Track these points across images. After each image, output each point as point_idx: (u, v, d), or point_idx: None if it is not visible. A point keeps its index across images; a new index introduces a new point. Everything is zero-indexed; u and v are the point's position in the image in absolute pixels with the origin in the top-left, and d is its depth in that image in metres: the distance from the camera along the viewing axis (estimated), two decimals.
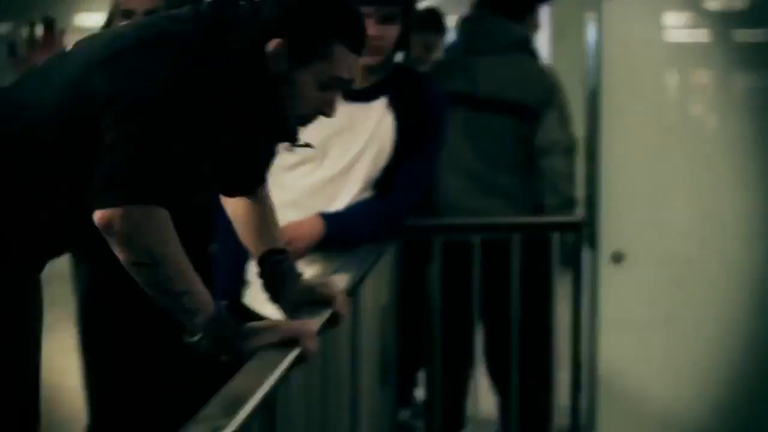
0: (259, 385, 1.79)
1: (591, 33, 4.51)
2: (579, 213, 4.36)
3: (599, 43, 4.41)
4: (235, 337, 2.01)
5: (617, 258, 4.44)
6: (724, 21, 4.56)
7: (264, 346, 2.00)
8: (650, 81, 4.52)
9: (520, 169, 4.12)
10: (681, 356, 4.55)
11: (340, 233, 3.09)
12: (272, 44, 2.07)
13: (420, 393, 4.54)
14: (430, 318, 3.89)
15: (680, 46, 4.58)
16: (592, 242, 4.44)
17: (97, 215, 1.95)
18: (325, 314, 2.27)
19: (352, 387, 2.88)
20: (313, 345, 2.05)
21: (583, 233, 4.18)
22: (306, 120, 2.18)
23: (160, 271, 1.96)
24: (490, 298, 3.98)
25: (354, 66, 2.15)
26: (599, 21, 4.41)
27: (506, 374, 3.99)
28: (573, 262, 4.04)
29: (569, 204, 4.16)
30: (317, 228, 3.08)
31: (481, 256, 3.90)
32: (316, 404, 2.44)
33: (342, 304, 2.33)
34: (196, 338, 2.00)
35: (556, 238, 4.02)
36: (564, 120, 4.15)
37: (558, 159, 4.12)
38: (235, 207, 2.37)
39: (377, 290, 3.23)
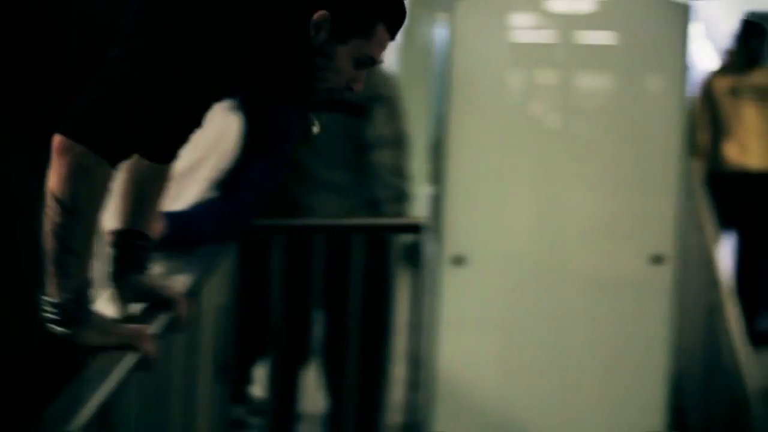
0: (98, 390, 1.82)
1: (440, 33, 4.57)
2: (421, 215, 4.43)
3: (448, 43, 4.48)
4: (83, 320, 2.01)
5: (458, 260, 4.52)
6: (568, 23, 4.64)
7: (102, 346, 2.01)
8: (496, 81, 4.58)
9: (351, 164, 4.15)
10: (517, 356, 4.64)
11: (181, 232, 3.10)
12: (318, 15, 2.09)
13: (254, 389, 4.59)
14: (270, 316, 3.92)
15: (525, 47, 4.64)
16: (435, 243, 4.51)
17: (59, 137, 1.94)
18: (166, 318, 2.30)
19: (188, 386, 2.91)
20: (153, 350, 2.07)
21: (424, 234, 4.25)
22: (335, 93, 2.19)
23: (70, 221, 1.94)
24: (330, 295, 4.04)
25: (386, 49, 2.20)
26: (449, 21, 4.47)
27: (340, 371, 4.05)
28: (414, 262, 4.12)
29: (400, 197, 4.22)
30: (158, 227, 3.09)
31: (323, 255, 3.95)
32: (152, 404, 2.46)
33: (183, 308, 2.36)
34: (52, 299, 1.99)
35: (396, 238, 4.08)
36: (394, 114, 4.19)
37: (387, 153, 4.16)
38: (137, 169, 2.29)
39: (217, 290, 3.26)
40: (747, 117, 6.65)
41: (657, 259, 4.65)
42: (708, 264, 5.37)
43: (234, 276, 3.63)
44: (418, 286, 4.11)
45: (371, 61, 2.18)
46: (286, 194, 4.08)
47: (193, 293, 2.73)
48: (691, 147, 5.78)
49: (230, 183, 3.26)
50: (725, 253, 6.09)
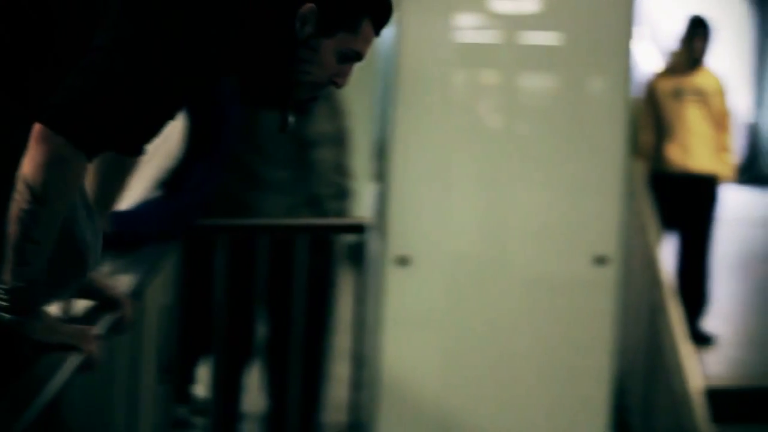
0: (42, 391, 1.83)
1: (386, 31, 4.59)
2: (366, 215, 4.44)
3: (394, 42, 4.50)
4: (30, 311, 2.02)
5: (402, 260, 4.54)
6: (513, 23, 4.66)
7: (46, 342, 2.01)
8: (441, 81, 4.59)
9: (293, 162, 4.18)
10: (460, 356, 4.65)
11: (125, 232, 3.11)
12: (305, 8, 2.10)
13: (196, 389, 4.59)
14: (213, 315, 3.93)
15: (470, 47, 4.65)
16: (379, 243, 4.53)
17: (39, 126, 1.92)
18: (111, 319, 2.30)
19: (132, 386, 2.92)
20: (97, 352, 2.08)
21: (368, 234, 4.27)
22: (318, 86, 2.20)
23: (38, 209, 1.94)
24: (273, 294, 4.06)
25: (370, 45, 2.21)
26: (395, 20, 4.49)
27: (281, 370, 4.07)
28: (358, 262, 4.14)
29: (342, 194, 4.25)
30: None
31: (266, 254, 3.97)
32: (96, 404, 2.47)
33: (128, 310, 2.37)
34: (4, 285, 1.98)
35: (339, 238, 4.11)
36: (335, 112, 4.22)
37: (328, 150, 4.20)
38: (101, 161, 2.29)
39: (160, 290, 3.27)
40: (690, 119, 6.73)
41: (600, 260, 4.69)
42: (651, 264, 5.44)
43: (177, 276, 3.64)
44: (362, 285, 4.13)
45: (356, 56, 2.20)
46: (230, 193, 4.09)
47: (137, 294, 2.74)
48: (635, 148, 5.85)
49: (173, 182, 3.27)
50: (668, 253, 6.16)
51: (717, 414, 5.08)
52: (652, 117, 6.78)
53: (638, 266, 5.50)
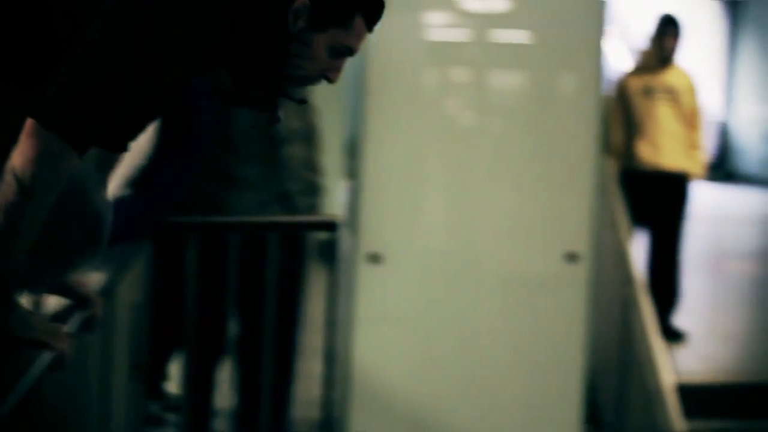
0: (14, 389, 1.84)
1: None
2: (338, 213, 4.46)
3: (365, 40, 4.50)
4: (4, 303, 2.01)
5: (374, 258, 4.56)
6: (483, 21, 4.69)
7: (17, 337, 2.01)
8: (411, 79, 4.61)
9: (262, 159, 4.19)
10: (432, 353, 4.68)
11: None
12: (298, 2, 2.11)
13: (168, 386, 4.60)
14: (185, 312, 3.94)
15: (440, 45, 4.67)
16: (351, 241, 4.54)
17: (31, 121, 1.93)
18: (81, 317, 2.30)
19: (104, 384, 2.92)
20: (68, 350, 2.08)
21: (340, 231, 4.28)
22: (309, 81, 2.20)
23: (25, 202, 1.94)
24: (244, 292, 4.06)
25: (362, 41, 2.21)
26: None
27: (251, 367, 4.08)
28: (330, 259, 4.15)
29: (312, 190, 4.26)
30: None
31: (238, 252, 3.97)
32: (68, 402, 2.47)
33: (99, 308, 2.37)
34: None
35: (311, 235, 4.11)
36: (304, 108, 4.23)
37: (297, 146, 4.21)
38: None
39: (131, 288, 3.27)
40: (660, 117, 6.77)
41: (572, 257, 4.72)
42: (622, 261, 5.47)
43: (148, 274, 3.64)
44: (333, 283, 4.14)
45: (348, 52, 2.20)
46: (200, 191, 4.09)
47: (107, 292, 2.74)
48: (606, 146, 5.88)
49: (144, 181, 3.27)
50: (638, 250, 6.20)
51: (688, 410, 5.11)
52: (622, 115, 6.81)
53: (610, 263, 5.53)
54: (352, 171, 4.57)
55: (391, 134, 4.59)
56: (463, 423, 4.72)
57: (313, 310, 4.35)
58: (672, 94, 6.82)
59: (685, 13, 7.89)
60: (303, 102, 2.26)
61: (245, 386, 4.19)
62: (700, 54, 15.88)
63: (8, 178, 1.95)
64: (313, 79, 2.20)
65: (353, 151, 4.59)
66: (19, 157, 1.94)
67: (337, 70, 2.20)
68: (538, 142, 4.73)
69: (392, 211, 4.60)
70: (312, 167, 4.27)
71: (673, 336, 6.59)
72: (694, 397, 5.62)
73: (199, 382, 4.12)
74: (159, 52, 2.00)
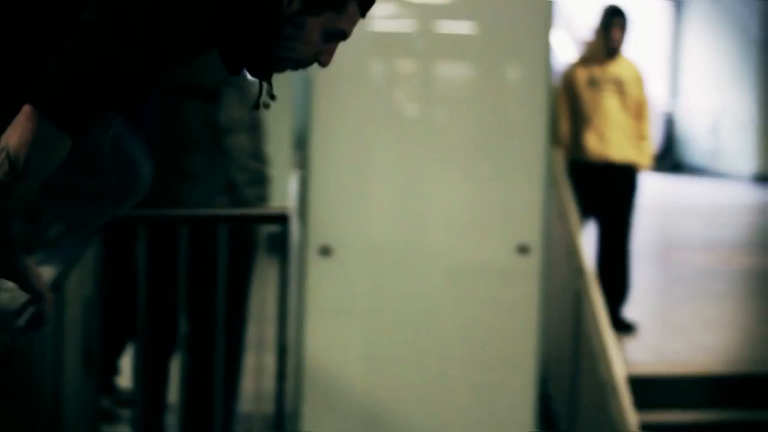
0: None
1: None
2: (288, 205, 4.48)
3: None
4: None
5: (324, 251, 4.59)
6: (428, 11, 4.73)
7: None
8: (357, 69, 4.65)
9: (207, 150, 4.21)
10: (383, 345, 4.73)
11: None
12: None
13: (119, 380, 4.60)
14: (135, 306, 3.95)
15: (386, 36, 4.71)
16: (301, 233, 4.57)
17: (27, 107, 1.93)
18: (31, 312, 2.31)
19: (56, 380, 2.93)
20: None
21: (291, 224, 4.31)
22: (301, 64, 2.19)
23: (15, 183, 1.95)
24: (192, 284, 4.08)
25: (355, 25, 2.21)
26: None
27: (198, 361, 4.10)
28: (281, 252, 4.18)
29: (258, 180, 4.29)
30: None
31: (187, 245, 3.99)
32: (21, 398, 2.48)
33: (49, 302, 2.38)
34: None
35: (262, 228, 4.13)
36: (246, 98, 4.26)
37: (242, 137, 4.23)
38: None
39: (81, 282, 3.28)
40: (607, 108, 6.85)
41: (523, 249, 4.77)
42: (573, 253, 5.53)
43: (97, 268, 3.65)
44: (284, 275, 4.17)
45: (341, 35, 2.21)
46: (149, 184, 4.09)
47: (56, 285, 2.75)
48: (553, 137, 5.94)
49: None
50: (588, 242, 6.27)
51: (638, 401, 5.18)
52: (569, 106, 6.88)
53: (560, 255, 5.59)
54: (302, 163, 4.59)
55: (339, 126, 4.62)
56: (415, 415, 4.76)
57: (266, 302, 4.38)
58: (619, 86, 6.89)
59: (630, 3, 7.97)
60: (273, 98, 2.28)
61: (192, 380, 4.21)
62: (645, 45, 16.05)
63: (1, 155, 1.96)
64: (305, 63, 2.21)
65: (302, 143, 4.61)
66: (15, 138, 1.96)
67: (330, 53, 2.21)
68: (488, 134, 4.77)
69: (342, 203, 4.64)
70: (258, 157, 4.29)
71: (623, 328, 6.68)
72: (645, 388, 5.70)
73: (151, 376, 4.14)
74: (154, 35, 2.01)
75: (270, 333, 4.27)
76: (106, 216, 2.21)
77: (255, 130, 4.29)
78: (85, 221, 2.20)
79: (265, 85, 2.22)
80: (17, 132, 1.96)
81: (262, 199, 4.32)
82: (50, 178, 2.03)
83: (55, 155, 1.98)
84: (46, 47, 2.09)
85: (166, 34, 2.02)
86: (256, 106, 2.24)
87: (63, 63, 1.98)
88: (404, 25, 4.75)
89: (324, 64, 2.22)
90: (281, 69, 2.20)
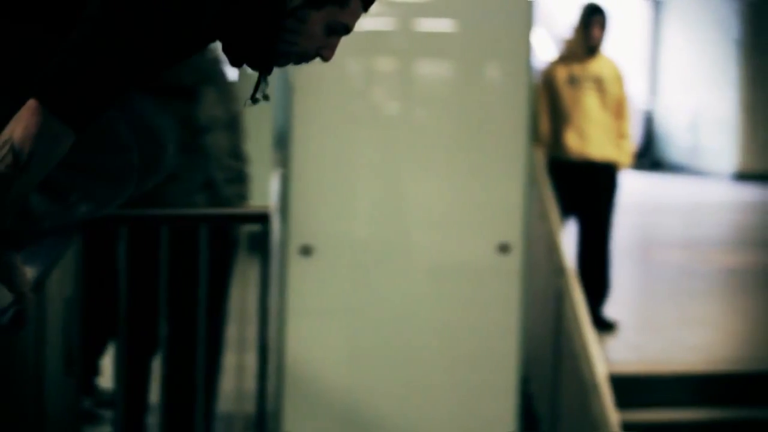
0: None
1: None
2: (269, 204, 4.48)
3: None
4: None
5: (305, 250, 4.60)
6: (407, 10, 4.74)
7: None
8: (337, 68, 4.64)
9: (186, 149, 4.21)
10: (365, 345, 4.74)
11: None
12: None
13: (100, 380, 4.61)
14: (117, 306, 3.95)
15: (366, 34, 4.70)
16: (282, 233, 4.57)
17: (33, 101, 1.94)
18: (12, 312, 2.31)
19: (37, 381, 2.93)
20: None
21: (271, 223, 4.32)
22: (303, 58, 2.20)
23: (14, 175, 1.94)
24: (171, 284, 4.08)
25: (358, 19, 2.21)
26: None
27: (177, 361, 4.10)
28: (262, 251, 4.19)
29: (237, 178, 4.29)
30: None
31: (168, 245, 3.99)
32: (1, 399, 2.48)
33: (30, 302, 2.39)
34: None
35: (243, 227, 4.14)
36: (225, 95, 4.26)
37: (220, 135, 4.24)
38: None
39: (62, 282, 3.28)
40: (587, 106, 6.87)
41: (504, 248, 4.78)
42: (553, 252, 5.55)
43: (78, 267, 3.66)
44: (265, 275, 4.18)
45: (344, 30, 2.21)
46: None
47: (38, 286, 2.75)
48: (534, 135, 5.96)
49: None
50: (568, 241, 6.30)
51: (619, 400, 5.20)
52: (549, 104, 6.91)
53: (541, 254, 5.61)
54: (282, 162, 4.60)
55: (320, 125, 4.63)
56: (397, 414, 4.78)
57: (247, 302, 4.39)
58: (599, 84, 6.92)
59: (610, 1, 8.00)
60: (266, 98, 2.29)
61: (171, 380, 4.21)
62: (625, 43, 16.11)
63: (4, 148, 1.96)
64: (307, 57, 2.21)
65: (282, 143, 4.62)
66: (20, 131, 1.96)
67: (332, 48, 2.21)
68: (469, 132, 4.79)
69: (323, 202, 4.65)
70: (237, 155, 4.30)
71: (604, 326, 6.71)
72: (626, 387, 5.73)
73: (132, 376, 4.14)
74: (159, 29, 2.01)
75: (251, 333, 4.28)
76: (132, 192, 2.22)
77: (234, 128, 4.29)
78: (110, 198, 2.21)
79: (261, 79, 2.22)
80: (22, 125, 1.96)
81: (241, 197, 4.33)
82: (74, 158, 2.05)
83: (59, 149, 1.99)
84: (56, 31, 2.09)
85: (171, 28, 2.02)
86: (253, 99, 2.25)
87: (68, 57, 1.98)
88: (384, 24, 4.75)
89: (326, 58, 2.21)
90: (283, 63, 2.20)
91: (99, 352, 4.45)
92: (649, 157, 17.27)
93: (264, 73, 2.23)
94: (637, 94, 16.53)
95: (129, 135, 2.14)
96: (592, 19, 6.91)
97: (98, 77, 1.98)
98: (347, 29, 2.22)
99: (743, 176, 15.97)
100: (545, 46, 8.31)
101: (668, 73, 17.75)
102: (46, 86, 1.97)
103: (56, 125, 1.96)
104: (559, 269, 5.48)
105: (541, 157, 6.33)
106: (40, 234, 2.30)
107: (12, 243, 2.11)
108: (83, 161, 2.12)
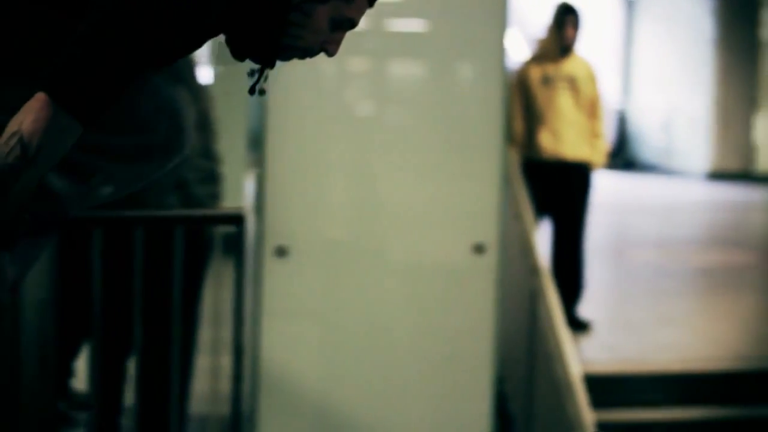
0: None
1: None
2: (245, 205, 4.49)
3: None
4: None
5: (280, 252, 4.61)
6: (381, 10, 4.73)
7: None
8: (310, 69, 4.66)
9: None
10: (340, 346, 4.76)
11: None
12: None
13: (74, 382, 4.60)
14: (92, 308, 3.96)
15: None
16: (257, 234, 4.58)
17: (42, 94, 1.95)
18: None
19: (12, 383, 2.94)
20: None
21: (246, 225, 4.33)
22: (308, 53, 2.20)
23: (22, 167, 1.96)
24: (150, 285, 4.09)
25: (363, 14, 2.22)
26: None
27: (150, 363, 4.12)
28: (237, 253, 4.20)
29: (209, 178, 4.30)
30: None
31: (143, 246, 4.00)
32: None
33: (5, 304, 2.40)
34: None
35: (217, 229, 4.15)
36: (196, 96, 4.26)
37: (193, 135, 4.24)
38: None
39: (37, 284, 3.29)
40: (561, 106, 6.91)
41: (479, 249, 4.80)
42: (528, 252, 5.58)
43: (52, 269, 3.66)
44: (240, 276, 4.19)
45: (349, 24, 2.22)
46: None
47: (15, 287, 2.75)
48: (507, 136, 5.99)
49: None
50: (543, 241, 6.33)
51: (594, 400, 5.24)
52: (522, 105, 6.94)
53: (515, 254, 5.64)
54: (257, 163, 4.61)
55: (293, 126, 4.64)
56: (372, 415, 4.80)
57: (221, 303, 4.40)
58: (572, 83, 6.95)
59: (583, 1, 8.05)
60: (262, 92, 2.30)
61: (144, 381, 4.22)
62: (598, 42, 16.19)
63: (12, 139, 1.98)
64: (312, 51, 2.21)
65: (257, 143, 4.63)
66: (29, 124, 1.97)
67: (337, 43, 2.22)
68: (443, 133, 4.81)
69: (297, 204, 4.66)
70: (208, 156, 4.31)
71: (578, 326, 6.75)
72: (601, 387, 5.76)
73: (107, 378, 4.15)
74: (167, 22, 2.02)
75: (226, 334, 4.29)
76: (153, 172, 2.24)
77: (205, 129, 4.30)
78: (134, 179, 2.22)
79: (257, 74, 2.22)
80: (31, 117, 1.97)
81: (214, 197, 4.34)
82: (96, 140, 2.08)
83: (66, 142, 2.01)
84: (73, 13, 2.09)
85: (179, 21, 2.03)
86: (252, 92, 2.26)
87: (77, 50, 2.00)
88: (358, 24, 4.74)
89: (331, 53, 2.23)
90: (288, 57, 2.21)
91: (73, 355, 4.46)
92: (623, 156, 17.36)
93: (267, 66, 2.23)
94: (610, 94, 16.61)
95: (150, 114, 2.15)
96: (566, 18, 6.95)
97: (106, 71, 2.00)
98: (352, 24, 2.23)
99: (716, 175, 16.08)
100: (519, 46, 8.34)
101: (641, 72, 17.84)
102: (56, 80, 1.98)
103: (65, 119, 1.97)
104: (533, 269, 5.51)
105: (514, 157, 6.35)
106: (32, 232, 2.31)
107: (3, 243, 2.13)
108: (105, 143, 2.14)
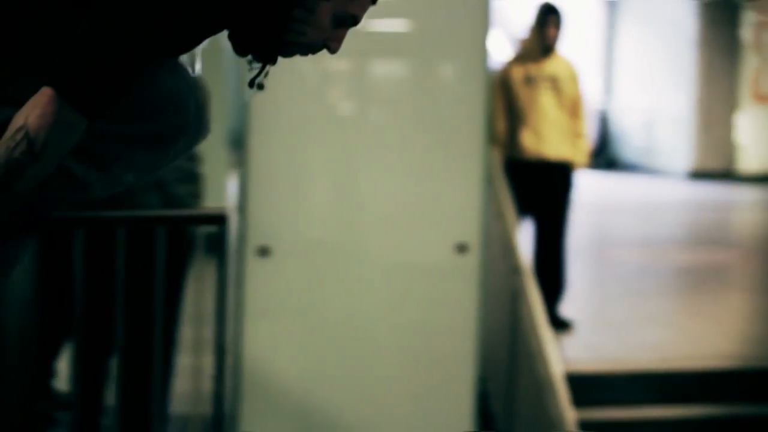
0: None
1: None
2: (227, 205, 4.49)
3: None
4: None
5: (263, 251, 4.61)
6: None
7: None
8: (291, 69, 4.63)
9: None
10: (322, 345, 4.76)
11: None
12: None
13: (55, 383, 4.59)
14: (73, 308, 3.95)
15: None
16: (239, 234, 4.58)
17: (48, 89, 1.95)
18: None
19: None
20: None
21: (228, 225, 4.33)
22: (310, 49, 2.20)
23: (28, 162, 1.96)
24: (132, 285, 4.09)
25: (366, 11, 2.22)
26: None
27: (131, 362, 4.12)
28: (219, 252, 4.21)
29: (188, 177, 4.30)
30: None
31: (125, 246, 4.00)
32: None
33: None
34: None
35: (200, 229, 4.15)
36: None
37: None
38: None
39: (18, 284, 3.28)
40: (543, 105, 6.93)
41: (462, 248, 4.81)
42: (510, 251, 5.59)
43: (34, 269, 3.65)
44: (222, 276, 4.20)
45: (352, 21, 2.22)
46: None
47: None
48: (490, 135, 6.00)
49: None
50: (525, 240, 6.34)
51: (575, 399, 5.25)
52: (505, 104, 6.95)
53: (498, 253, 5.65)
54: (239, 163, 4.61)
55: (274, 126, 4.63)
56: (354, 414, 4.80)
57: (203, 303, 4.40)
58: (554, 83, 6.97)
59: (565, 1, 8.07)
60: (261, 87, 2.29)
61: (125, 381, 4.22)
62: (580, 42, 16.22)
63: (18, 134, 1.97)
64: (314, 48, 2.21)
65: (239, 143, 4.63)
66: (35, 119, 1.97)
67: (339, 39, 2.22)
68: (426, 133, 4.81)
69: (280, 203, 4.66)
70: (188, 155, 4.32)
71: (560, 325, 6.77)
72: (582, 386, 5.78)
73: (89, 378, 4.14)
74: (172, 17, 2.02)
75: (208, 334, 4.29)
76: (173, 156, 2.24)
77: None
78: (155, 165, 2.22)
79: (255, 71, 2.23)
80: (37, 112, 1.97)
81: (195, 196, 4.34)
82: (114, 128, 2.08)
83: (72, 138, 2.01)
84: (83, 4, 2.08)
85: (183, 16, 2.04)
86: (251, 86, 2.26)
87: (82, 45, 2.00)
88: None
89: (333, 50, 2.23)
90: (290, 53, 2.21)
91: (54, 355, 4.45)
92: (605, 156, 17.40)
93: (269, 62, 2.23)
94: (592, 94, 16.65)
95: (172, 96, 2.15)
96: (548, 18, 6.97)
97: (111, 66, 2.00)
98: (355, 21, 2.23)
99: (698, 175, 16.13)
100: (501, 46, 8.36)
101: (623, 72, 17.89)
102: (61, 74, 1.98)
103: (71, 114, 1.97)
104: (515, 269, 5.52)
105: (497, 157, 6.36)
106: (23, 230, 2.30)
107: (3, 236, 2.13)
108: (122, 131, 2.12)
